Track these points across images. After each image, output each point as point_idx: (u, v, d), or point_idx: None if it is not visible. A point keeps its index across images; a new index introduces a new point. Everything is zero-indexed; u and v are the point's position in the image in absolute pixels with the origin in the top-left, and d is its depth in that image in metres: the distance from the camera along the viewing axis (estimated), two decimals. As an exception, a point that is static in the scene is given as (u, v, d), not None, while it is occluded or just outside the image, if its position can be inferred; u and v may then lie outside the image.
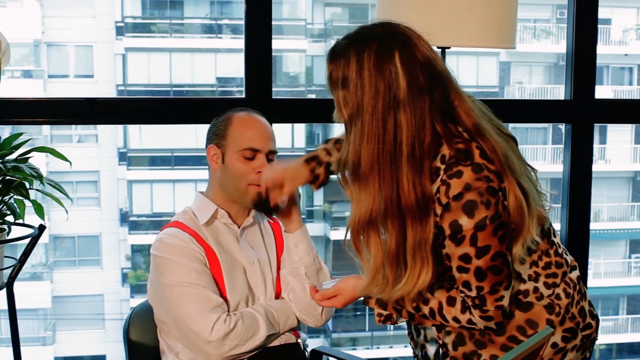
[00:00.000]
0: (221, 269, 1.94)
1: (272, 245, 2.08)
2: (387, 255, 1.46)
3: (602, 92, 10.46)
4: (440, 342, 1.64)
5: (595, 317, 1.65)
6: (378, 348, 10.83)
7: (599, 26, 2.71)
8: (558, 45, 10.67)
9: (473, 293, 1.49)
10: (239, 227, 2.02)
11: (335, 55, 1.47)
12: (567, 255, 1.66)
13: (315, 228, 9.91)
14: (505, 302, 1.50)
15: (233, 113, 1.99)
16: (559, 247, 1.63)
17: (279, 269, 2.06)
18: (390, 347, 10.80)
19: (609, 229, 11.26)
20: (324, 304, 1.71)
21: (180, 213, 2.03)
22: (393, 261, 1.46)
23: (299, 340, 2.00)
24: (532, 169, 1.62)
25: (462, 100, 1.51)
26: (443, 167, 1.45)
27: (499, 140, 1.50)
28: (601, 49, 2.74)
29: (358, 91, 1.42)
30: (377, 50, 1.43)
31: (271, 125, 2.03)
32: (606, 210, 11.28)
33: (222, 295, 1.94)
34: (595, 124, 2.77)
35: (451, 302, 1.53)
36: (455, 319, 1.53)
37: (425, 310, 1.56)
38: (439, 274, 1.53)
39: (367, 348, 10.70)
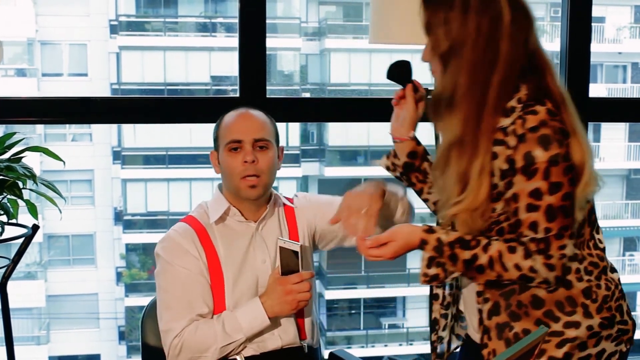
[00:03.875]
0: (222, 270, 1.89)
1: (287, 236, 1.99)
2: (458, 174, 1.55)
3: (596, 90, 10.48)
4: (479, 307, 1.64)
5: (632, 319, 1.66)
6: (373, 346, 10.85)
7: (592, 24, 2.71)
8: (552, 43, 10.66)
9: (540, 234, 1.49)
10: (255, 222, 1.95)
11: None
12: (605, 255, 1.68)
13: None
14: (568, 252, 1.51)
15: (224, 115, 1.97)
16: (601, 242, 1.66)
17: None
18: (385, 346, 10.82)
19: (603, 227, 11.23)
20: (371, 253, 1.61)
21: (197, 206, 2.00)
22: (461, 179, 1.55)
23: (303, 344, 1.93)
24: None
25: (543, 54, 1.61)
26: (520, 106, 1.52)
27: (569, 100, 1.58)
28: (595, 47, 2.75)
29: (462, 26, 1.52)
30: None
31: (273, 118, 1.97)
32: (600, 208, 11.31)
33: (221, 296, 1.87)
34: (589, 122, 2.77)
35: (512, 250, 1.53)
36: (517, 266, 1.52)
37: (484, 259, 1.53)
38: (491, 222, 1.57)
39: (362, 346, 10.72)
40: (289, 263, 1.80)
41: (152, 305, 2.00)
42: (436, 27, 1.56)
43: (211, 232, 1.92)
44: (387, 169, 1.88)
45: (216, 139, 1.94)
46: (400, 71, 1.80)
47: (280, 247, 1.81)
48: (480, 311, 1.64)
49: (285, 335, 1.91)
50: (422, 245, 1.59)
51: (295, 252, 1.77)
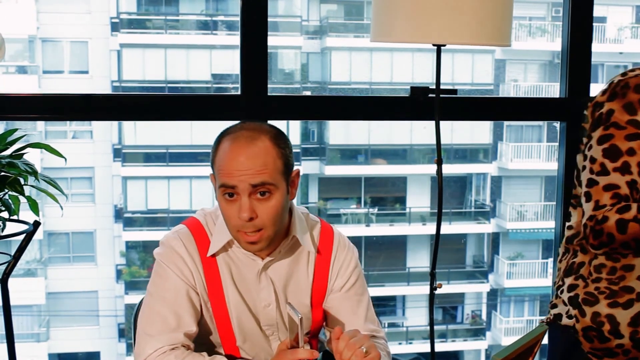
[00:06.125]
0: (227, 308, 1.66)
1: (305, 281, 1.72)
2: None
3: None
4: None
5: None
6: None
7: (594, 24, 2.72)
8: (553, 43, 10.68)
9: None
10: (262, 260, 1.67)
11: None
12: None
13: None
14: None
15: (224, 134, 1.62)
16: None
17: (315, 306, 1.72)
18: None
19: None
20: None
21: (201, 214, 1.71)
22: None
23: None
24: None
25: None
26: None
27: None
28: (596, 47, 2.75)
29: None
30: None
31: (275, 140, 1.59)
32: None
33: (232, 340, 1.68)
34: (590, 122, 2.77)
35: None
36: None
37: None
38: None
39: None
40: (293, 331, 1.57)
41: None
42: None
43: (217, 258, 1.68)
44: None
45: (212, 164, 1.62)
46: None
47: (287, 311, 1.58)
48: None
49: None
50: None
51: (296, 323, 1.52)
